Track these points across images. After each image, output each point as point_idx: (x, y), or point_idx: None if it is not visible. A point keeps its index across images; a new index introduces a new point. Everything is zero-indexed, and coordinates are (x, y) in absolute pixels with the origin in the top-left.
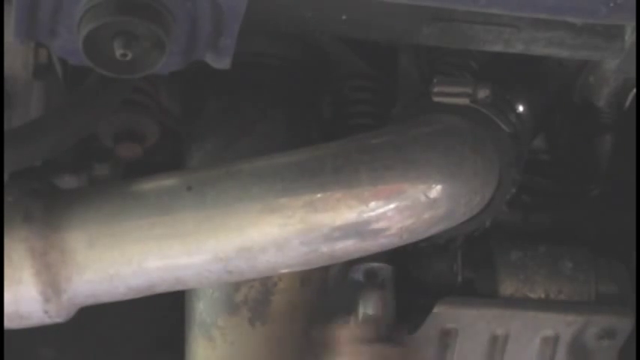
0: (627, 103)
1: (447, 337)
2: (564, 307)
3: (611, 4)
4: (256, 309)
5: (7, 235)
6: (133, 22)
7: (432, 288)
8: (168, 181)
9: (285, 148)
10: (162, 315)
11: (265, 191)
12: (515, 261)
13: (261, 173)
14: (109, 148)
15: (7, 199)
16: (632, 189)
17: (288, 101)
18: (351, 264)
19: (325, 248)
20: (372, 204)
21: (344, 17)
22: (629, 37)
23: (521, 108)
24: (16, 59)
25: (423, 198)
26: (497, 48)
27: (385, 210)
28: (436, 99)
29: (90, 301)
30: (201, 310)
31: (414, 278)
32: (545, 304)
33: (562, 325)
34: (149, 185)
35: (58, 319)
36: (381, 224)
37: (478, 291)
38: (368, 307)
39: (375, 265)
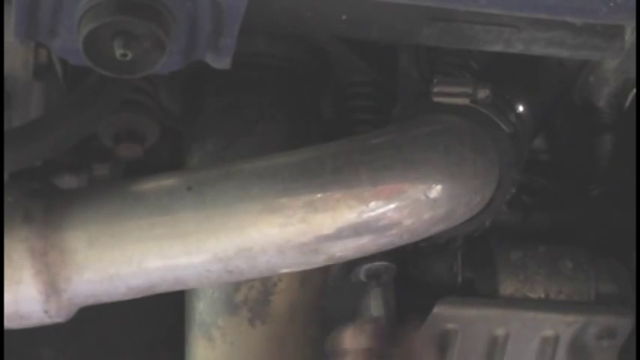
0: (627, 103)
1: (447, 337)
2: (564, 307)
3: (611, 4)
4: (256, 309)
5: (7, 235)
6: (133, 22)
7: (432, 288)
8: (168, 181)
9: (285, 148)
10: (163, 315)
11: (265, 191)
12: (515, 261)
13: (261, 173)
14: (109, 148)
15: (7, 199)
16: (632, 189)
17: (288, 101)
18: (351, 264)
19: (325, 248)
20: (372, 204)
21: (344, 17)
22: (629, 37)
23: (521, 108)
24: (16, 59)
25: (423, 198)
26: (497, 48)
27: (385, 210)
28: (436, 99)
29: (90, 301)
30: (201, 310)
31: (414, 278)
32: (545, 304)
33: (562, 325)
34: (149, 185)
35: (58, 319)
36: (381, 224)
37: (478, 291)
38: (370, 308)
39: (377, 264)
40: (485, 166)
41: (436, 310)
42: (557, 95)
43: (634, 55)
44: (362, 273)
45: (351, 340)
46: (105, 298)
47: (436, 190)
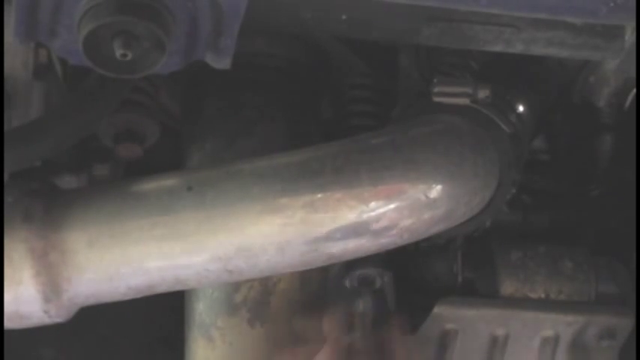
0: (627, 103)
1: (447, 337)
2: (564, 307)
3: (611, 4)
4: (256, 309)
5: (7, 235)
6: (133, 22)
7: (432, 288)
8: (168, 181)
9: (285, 148)
10: (162, 315)
11: (265, 191)
12: (515, 261)
13: (261, 173)
14: (109, 148)
15: (7, 199)
16: (632, 189)
17: (288, 101)
18: (348, 267)
19: (325, 248)
20: (372, 204)
21: (344, 17)
22: (629, 37)
23: (521, 108)
24: (16, 59)
25: (423, 198)
26: (498, 48)
27: (385, 210)
28: (436, 99)
29: (90, 301)
30: (201, 311)
31: (414, 278)
32: (545, 304)
33: (562, 325)
34: (149, 185)
35: (59, 319)
36: (381, 224)
37: (478, 291)
38: (360, 307)
39: (370, 270)
40: (485, 166)
41: (436, 310)
42: (557, 95)
43: (634, 55)
44: (355, 279)
45: (328, 327)
46: (105, 298)
47: (436, 191)
